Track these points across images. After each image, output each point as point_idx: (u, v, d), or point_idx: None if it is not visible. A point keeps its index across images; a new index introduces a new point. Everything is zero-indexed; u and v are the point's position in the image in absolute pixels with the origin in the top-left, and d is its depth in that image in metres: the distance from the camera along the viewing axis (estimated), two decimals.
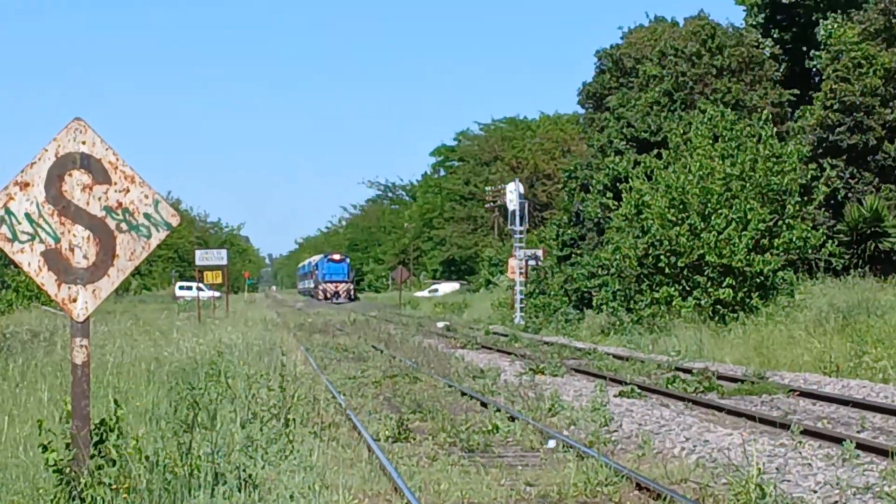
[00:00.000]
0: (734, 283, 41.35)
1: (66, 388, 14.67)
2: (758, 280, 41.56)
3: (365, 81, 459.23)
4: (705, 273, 41.84)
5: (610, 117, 61.01)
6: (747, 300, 41.26)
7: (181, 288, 76.05)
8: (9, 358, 22.53)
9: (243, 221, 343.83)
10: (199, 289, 77.46)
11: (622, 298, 45.65)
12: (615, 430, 19.75)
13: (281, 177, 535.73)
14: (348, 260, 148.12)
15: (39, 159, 11.55)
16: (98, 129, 11.72)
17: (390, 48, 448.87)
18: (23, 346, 25.02)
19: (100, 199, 11.60)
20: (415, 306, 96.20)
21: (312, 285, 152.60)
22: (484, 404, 23.15)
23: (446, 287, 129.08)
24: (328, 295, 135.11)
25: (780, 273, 41.68)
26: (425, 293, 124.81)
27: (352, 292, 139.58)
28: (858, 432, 19.14)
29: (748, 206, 41.70)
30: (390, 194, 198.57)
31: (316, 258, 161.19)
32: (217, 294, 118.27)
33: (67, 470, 11.22)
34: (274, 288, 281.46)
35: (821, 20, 54.67)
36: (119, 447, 11.70)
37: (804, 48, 57.84)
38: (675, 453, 17.23)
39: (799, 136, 48.97)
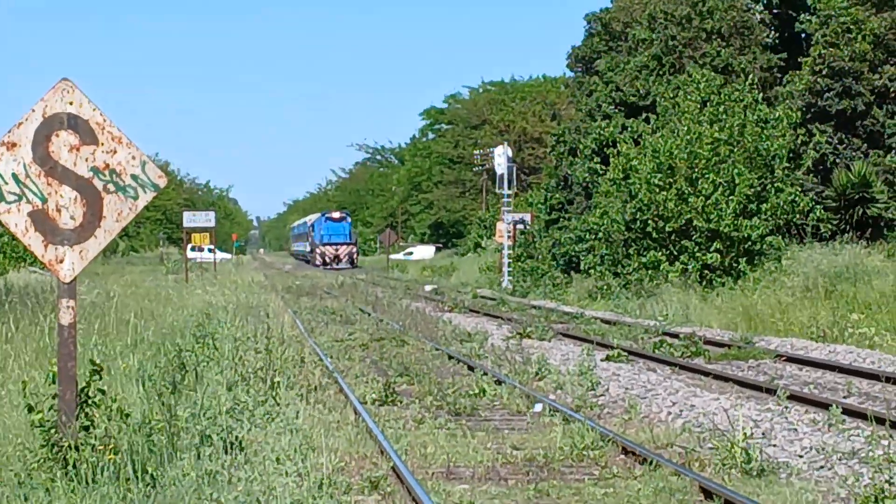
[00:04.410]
0: (721, 248, 41.41)
1: (52, 350, 14.65)
2: (745, 245, 41.60)
3: (355, 43, 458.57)
4: (693, 238, 41.87)
5: (598, 81, 60.89)
6: (735, 265, 41.33)
7: (192, 249, 77.73)
8: None
9: (231, 184, 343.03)
10: (210, 251, 79.58)
11: (610, 263, 45.66)
12: (602, 395, 19.78)
13: (270, 139, 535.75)
14: (349, 219, 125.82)
15: (26, 120, 11.50)
16: (85, 90, 11.68)
17: (380, 10, 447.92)
18: (10, 307, 24.94)
19: (87, 159, 11.56)
20: (403, 269, 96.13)
21: (308, 248, 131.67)
22: (471, 368, 23.15)
23: (422, 250, 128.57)
24: (327, 259, 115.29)
25: (768, 238, 41.72)
26: (400, 256, 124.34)
27: (354, 256, 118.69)
28: (845, 398, 19.20)
29: (736, 171, 41.69)
30: (379, 157, 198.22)
31: (312, 217, 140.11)
32: (229, 256, 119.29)
33: (53, 431, 11.22)
34: (262, 250, 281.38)
35: None
36: (104, 409, 11.70)
37: (793, 13, 57.67)
38: (662, 418, 17.27)
39: (787, 101, 48.90)
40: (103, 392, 11.78)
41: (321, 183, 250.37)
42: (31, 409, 11.47)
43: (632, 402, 18.11)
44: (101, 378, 11.78)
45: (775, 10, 59.06)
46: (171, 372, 17.47)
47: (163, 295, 37.25)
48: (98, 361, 11.93)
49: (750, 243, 41.56)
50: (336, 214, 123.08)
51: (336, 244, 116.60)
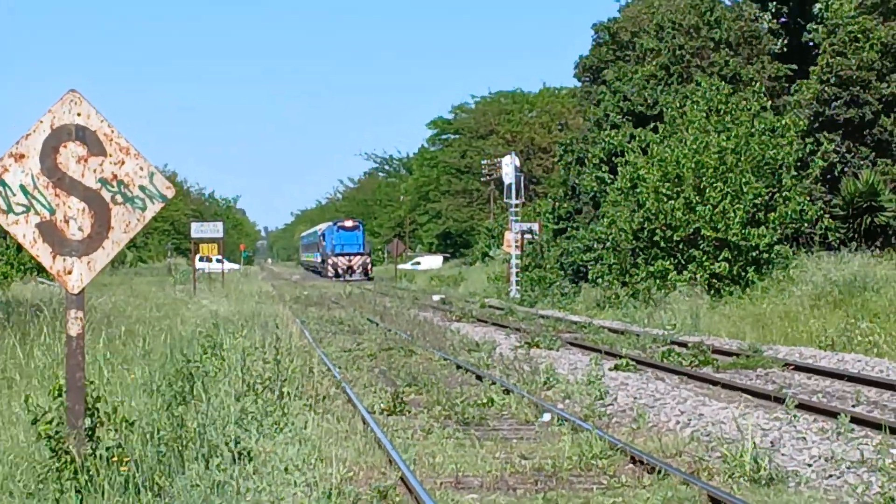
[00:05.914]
0: (730, 257, 41.37)
1: (60, 361, 14.65)
2: (753, 254, 41.56)
3: (362, 52, 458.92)
4: (700, 247, 41.84)
5: (606, 91, 60.93)
6: (743, 274, 41.28)
7: (201, 260, 78.24)
8: (4, 330, 22.48)
9: (239, 194, 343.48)
10: (218, 261, 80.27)
11: (618, 272, 45.65)
12: (610, 404, 19.75)
13: (277, 149, 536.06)
14: (363, 227, 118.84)
15: (34, 131, 11.50)
16: (93, 101, 11.69)
17: (388, 19, 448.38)
18: (19, 318, 24.98)
19: (95, 170, 11.55)
20: (410, 279, 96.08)
21: (319, 259, 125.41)
22: (479, 377, 23.13)
23: (430, 260, 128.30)
24: (340, 271, 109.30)
25: (776, 247, 41.69)
26: (408, 265, 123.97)
27: (369, 267, 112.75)
28: (853, 406, 19.17)
29: (743, 180, 41.67)
30: (387, 167, 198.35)
31: (323, 226, 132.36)
32: (237, 266, 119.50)
33: (62, 442, 11.21)
34: (269, 260, 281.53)
35: None
36: (113, 420, 11.69)
37: (801, 22, 57.72)
38: (670, 427, 17.25)
39: (795, 110, 48.91)
40: (98, 401, 11.74)
41: (329, 193, 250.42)
42: (35, 422, 11.43)
43: (640, 412, 18.08)
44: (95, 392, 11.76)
45: (783, 20, 59.11)
46: (179, 382, 17.46)
47: (171, 305, 37.25)
48: (105, 373, 11.92)
49: (758, 252, 41.53)
50: (349, 223, 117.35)
51: (349, 254, 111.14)
